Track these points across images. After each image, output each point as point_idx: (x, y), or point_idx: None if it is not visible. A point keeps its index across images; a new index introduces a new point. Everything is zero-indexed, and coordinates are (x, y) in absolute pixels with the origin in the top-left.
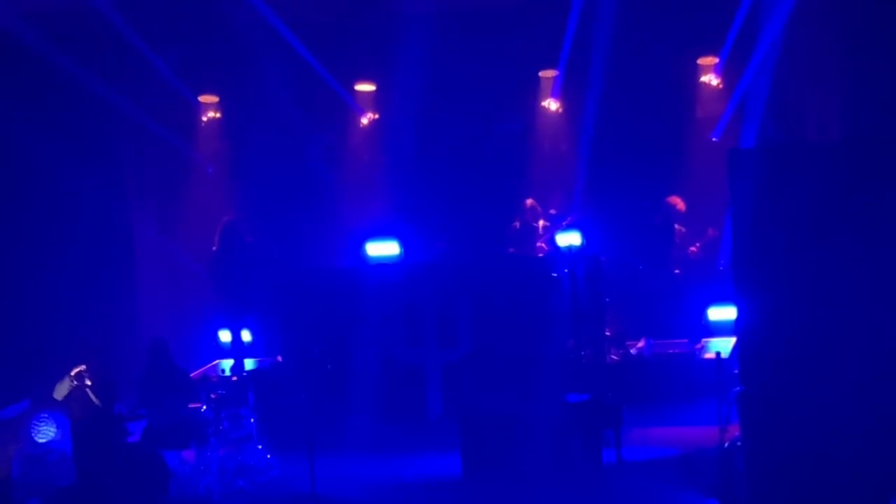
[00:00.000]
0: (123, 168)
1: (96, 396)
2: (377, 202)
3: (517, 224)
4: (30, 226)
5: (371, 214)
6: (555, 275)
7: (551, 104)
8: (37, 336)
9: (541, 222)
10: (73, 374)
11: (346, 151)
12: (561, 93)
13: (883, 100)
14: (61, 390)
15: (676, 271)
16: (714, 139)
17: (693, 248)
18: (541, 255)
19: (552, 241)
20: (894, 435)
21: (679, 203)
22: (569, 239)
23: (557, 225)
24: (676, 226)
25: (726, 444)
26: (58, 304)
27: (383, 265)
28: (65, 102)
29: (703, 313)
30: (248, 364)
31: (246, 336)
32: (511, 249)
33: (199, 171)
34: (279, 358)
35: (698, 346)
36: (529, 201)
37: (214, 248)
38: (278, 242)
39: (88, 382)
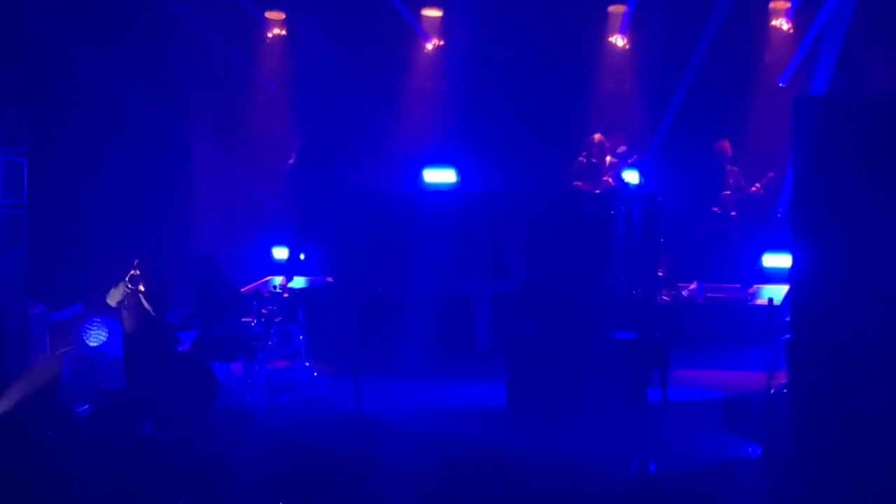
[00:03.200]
0: (185, 82)
1: (149, 303)
2: (437, 129)
3: (583, 158)
4: (90, 137)
5: (430, 141)
6: (612, 212)
7: (618, 40)
8: (92, 242)
9: (608, 158)
10: (127, 279)
11: (410, 76)
12: (629, 29)
13: None
14: (115, 296)
15: (733, 213)
16: (781, 84)
17: (756, 187)
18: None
19: (618, 178)
20: None
21: (727, 147)
22: (628, 177)
23: (624, 162)
24: (728, 167)
25: (772, 391)
26: (114, 212)
27: (439, 192)
28: (128, 15)
29: (757, 259)
30: (299, 282)
31: (285, 254)
32: (576, 183)
33: (262, 89)
34: (329, 279)
35: (750, 291)
36: (597, 136)
37: (291, 162)
38: (336, 164)
39: (142, 289)
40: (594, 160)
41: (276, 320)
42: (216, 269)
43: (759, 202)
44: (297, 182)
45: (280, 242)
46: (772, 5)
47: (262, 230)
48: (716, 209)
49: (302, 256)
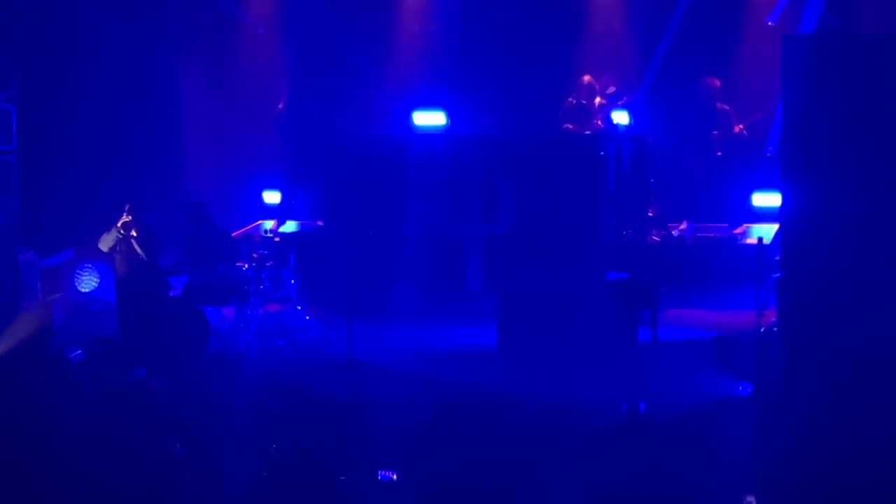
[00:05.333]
0: (173, 28)
1: (141, 249)
2: (426, 71)
3: (572, 100)
4: (80, 82)
5: (419, 83)
6: (602, 153)
7: None
8: (83, 188)
9: (597, 99)
10: (119, 224)
11: (398, 18)
12: None
13: None
14: (107, 241)
15: (718, 154)
16: (770, 23)
17: (738, 128)
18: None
19: (608, 120)
20: None
21: (716, 83)
22: (618, 118)
23: (614, 103)
24: (718, 105)
25: (762, 330)
26: (105, 158)
27: (429, 135)
28: None
29: (747, 198)
30: (290, 226)
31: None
32: (566, 126)
33: (250, 33)
34: (319, 223)
35: (739, 230)
36: (586, 78)
37: (280, 107)
38: (325, 107)
39: (134, 234)
40: (584, 102)
41: (268, 264)
42: (207, 215)
43: (744, 143)
44: (288, 126)
45: (271, 186)
46: None
47: (253, 174)
48: (719, 154)
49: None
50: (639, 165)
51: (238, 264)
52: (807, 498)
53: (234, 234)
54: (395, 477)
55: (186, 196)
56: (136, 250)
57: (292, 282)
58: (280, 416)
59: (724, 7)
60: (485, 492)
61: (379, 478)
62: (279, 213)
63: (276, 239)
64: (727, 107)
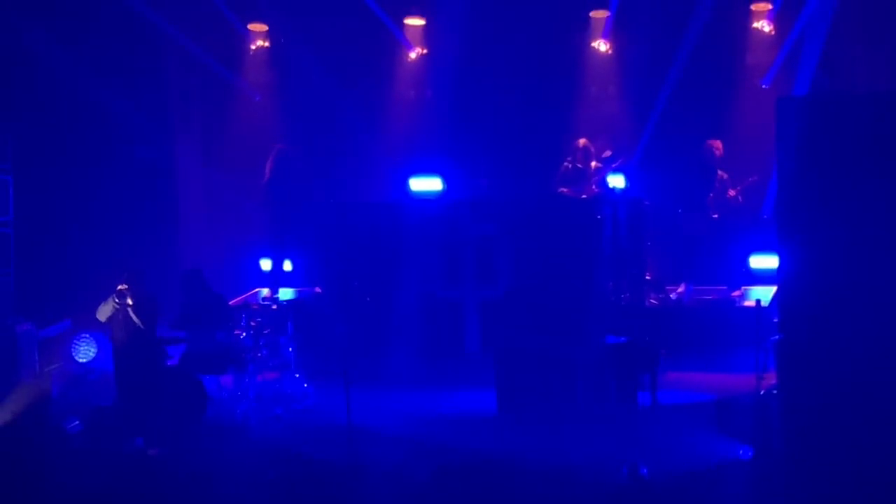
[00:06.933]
0: (170, 95)
1: (138, 317)
2: (422, 137)
3: (568, 164)
4: (76, 150)
5: (416, 150)
6: (598, 217)
7: (601, 45)
8: (80, 257)
9: (593, 163)
10: (115, 294)
11: (394, 85)
12: (611, 34)
13: None
14: (105, 311)
15: (714, 216)
16: (764, 86)
17: (731, 192)
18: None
19: (603, 183)
20: None
21: (719, 146)
22: (614, 181)
23: (609, 166)
24: (719, 172)
25: (762, 392)
26: (101, 227)
27: (426, 200)
28: (111, 28)
29: (744, 261)
30: (287, 293)
31: (286, 266)
32: (562, 189)
33: (246, 101)
34: (317, 289)
35: (737, 293)
36: (582, 141)
37: (266, 178)
38: (322, 174)
39: (130, 303)
40: (579, 165)
41: (265, 332)
42: (204, 282)
43: (738, 207)
44: (275, 196)
45: (267, 254)
46: (753, 7)
47: (250, 242)
48: (715, 216)
49: (288, 267)
50: (635, 228)
51: (236, 332)
52: None
53: (231, 302)
54: None
55: (184, 263)
56: (133, 319)
57: (290, 349)
58: (279, 484)
59: (718, 70)
60: None
61: None
62: (270, 280)
63: (274, 306)
64: (726, 175)
